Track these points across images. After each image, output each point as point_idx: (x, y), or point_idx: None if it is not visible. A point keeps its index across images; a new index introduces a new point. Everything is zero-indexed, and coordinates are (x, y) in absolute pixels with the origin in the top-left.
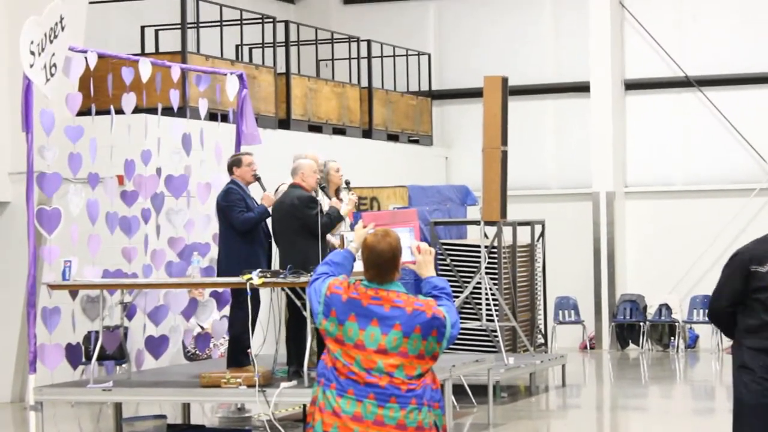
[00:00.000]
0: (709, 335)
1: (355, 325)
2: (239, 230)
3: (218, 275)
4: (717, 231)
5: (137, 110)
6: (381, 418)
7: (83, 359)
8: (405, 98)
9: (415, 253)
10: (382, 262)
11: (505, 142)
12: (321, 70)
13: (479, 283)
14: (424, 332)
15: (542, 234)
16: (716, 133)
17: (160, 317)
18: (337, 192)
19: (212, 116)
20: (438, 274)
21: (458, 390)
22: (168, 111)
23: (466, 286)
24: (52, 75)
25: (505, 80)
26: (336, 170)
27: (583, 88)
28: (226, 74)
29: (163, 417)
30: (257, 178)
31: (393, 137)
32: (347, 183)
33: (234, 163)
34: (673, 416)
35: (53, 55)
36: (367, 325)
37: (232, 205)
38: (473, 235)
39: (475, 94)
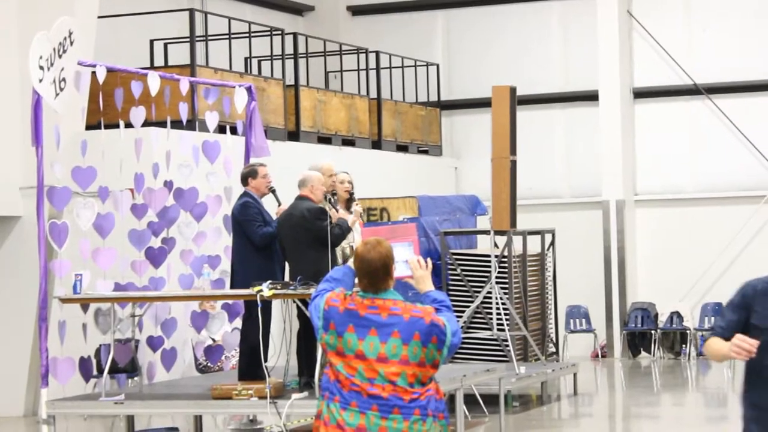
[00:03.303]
0: None
1: (354, 336)
2: (257, 245)
3: (233, 288)
4: (727, 238)
5: (146, 123)
6: (384, 430)
7: (95, 372)
8: (414, 109)
9: (414, 268)
10: (373, 271)
11: (514, 151)
12: (330, 81)
13: (490, 292)
14: (423, 339)
15: (552, 243)
16: (725, 141)
17: (170, 330)
18: (348, 203)
19: (221, 129)
20: (448, 284)
21: (470, 400)
22: (177, 124)
23: (477, 296)
24: (61, 89)
25: (513, 90)
26: (341, 182)
27: (591, 97)
28: (234, 87)
29: (176, 429)
30: (272, 191)
31: (402, 148)
32: (350, 195)
33: (249, 174)
34: (685, 424)
35: (62, 69)
36: (366, 334)
37: (251, 220)
38: (483, 245)
39: (483, 104)
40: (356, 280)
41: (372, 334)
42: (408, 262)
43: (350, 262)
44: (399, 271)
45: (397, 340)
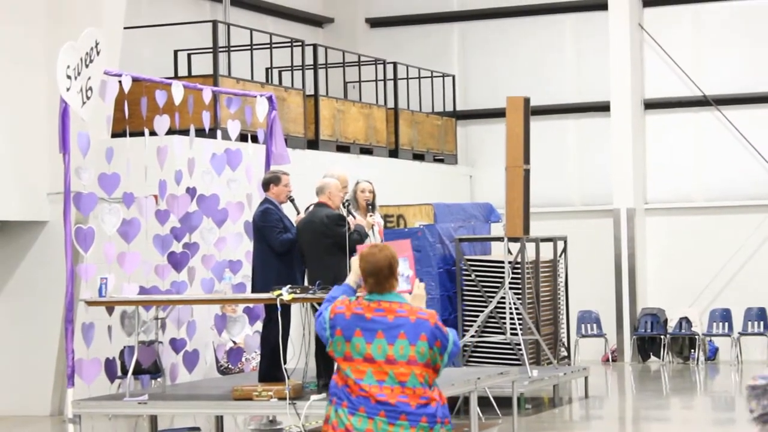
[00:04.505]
0: (728, 348)
1: (362, 340)
2: (277, 251)
3: (254, 292)
4: (735, 246)
5: (170, 132)
6: None
7: (119, 373)
8: (430, 118)
9: (415, 285)
10: (379, 270)
11: (527, 160)
12: (348, 91)
13: (503, 297)
14: (429, 341)
15: (564, 250)
16: (733, 151)
17: (192, 332)
18: (366, 212)
19: (243, 137)
20: (463, 289)
21: (483, 402)
22: (200, 132)
23: (491, 301)
24: (88, 98)
25: (527, 100)
26: (362, 190)
27: (603, 107)
28: (256, 96)
29: (197, 429)
30: (291, 200)
31: (419, 156)
32: (368, 204)
33: (271, 180)
34: (693, 427)
35: (89, 78)
36: (373, 337)
37: (271, 226)
38: (497, 251)
39: (498, 114)
40: (358, 289)
41: (379, 337)
42: (407, 276)
43: (348, 280)
44: (399, 285)
45: (404, 341)
